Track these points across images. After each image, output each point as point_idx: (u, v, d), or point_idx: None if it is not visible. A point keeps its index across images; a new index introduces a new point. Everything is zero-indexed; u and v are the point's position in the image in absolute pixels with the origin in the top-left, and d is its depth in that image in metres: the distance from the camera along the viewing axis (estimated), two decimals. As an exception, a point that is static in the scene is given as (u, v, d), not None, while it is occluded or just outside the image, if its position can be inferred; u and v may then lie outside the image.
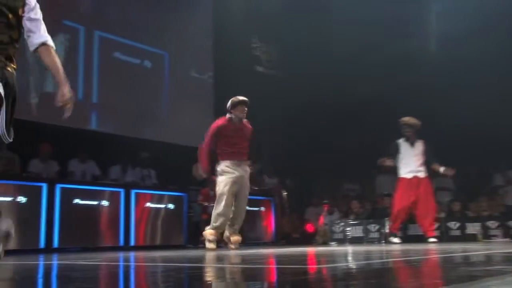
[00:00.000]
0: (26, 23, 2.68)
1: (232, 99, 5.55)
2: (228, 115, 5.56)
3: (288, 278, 2.05)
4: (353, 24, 9.78)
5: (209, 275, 2.27)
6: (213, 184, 5.79)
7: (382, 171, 9.52)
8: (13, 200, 5.63)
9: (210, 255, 4.08)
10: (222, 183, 5.35)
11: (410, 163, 6.80)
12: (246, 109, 5.57)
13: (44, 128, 7.26)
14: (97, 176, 7.42)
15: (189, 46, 9.55)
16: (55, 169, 6.99)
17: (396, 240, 6.74)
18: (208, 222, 5.97)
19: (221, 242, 5.70)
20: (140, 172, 8.01)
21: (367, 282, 1.82)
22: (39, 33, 2.71)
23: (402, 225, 6.90)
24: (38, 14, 2.70)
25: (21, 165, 6.68)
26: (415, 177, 6.75)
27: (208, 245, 5.29)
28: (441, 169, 6.72)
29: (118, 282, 2.09)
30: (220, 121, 5.59)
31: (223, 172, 5.40)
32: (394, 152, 6.92)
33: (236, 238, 5.49)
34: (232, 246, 5.44)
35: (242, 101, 5.53)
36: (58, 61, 2.75)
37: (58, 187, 6.07)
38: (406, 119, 6.85)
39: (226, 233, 5.54)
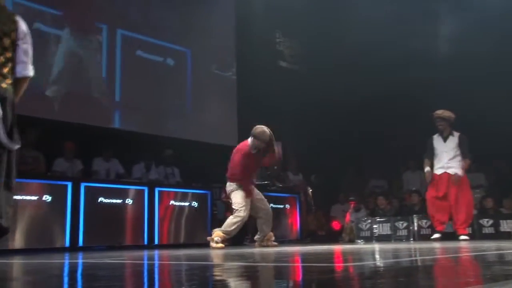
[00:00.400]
0: (18, 50, 2.84)
1: (260, 131, 5.58)
2: (250, 141, 5.63)
3: (314, 276, 2.04)
4: (379, 18, 9.65)
5: (234, 274, 2.28)
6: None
7: (409, 167, 9.42)
8: (39, 199, 5.75)
9: (234, 254, 4.09)
10: (238, 195, 5.57)
11: (442, 158, 6.68)
12: (266, 143, 5.63)
13: (68, 126, 7.40)
14: (121, 175, 7.51)
15: (211, 43, 9.58)
16: (80, 167, 7.10)
17: (435, 236, 6.63)
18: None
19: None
20: (164, 170, 8.08)
21: (395, 280, 1.80)
22: (27, 65, 2.87)
23: (442, 222, 6.71)
24: (28, 42, 2.88)
25: (46, 164, 6.81)
26: (445, 173, 6.62)
27: (216, 245, 5.39)
28: (459, 171, 6.56)
29: (143, 281, 2.11)
30: (244, 148, 5.67)
31: (238, 188, 5.60)
32: (429, 149, 6.81)
33: (270, 234, 5.88)
34: (274, 243, 5.82)
35: (266, 140, 5.55)
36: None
37: (83, 186, 6.18)
38: (439, 112, 6.69)
39: (259, 239, 5.87)
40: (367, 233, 7.76)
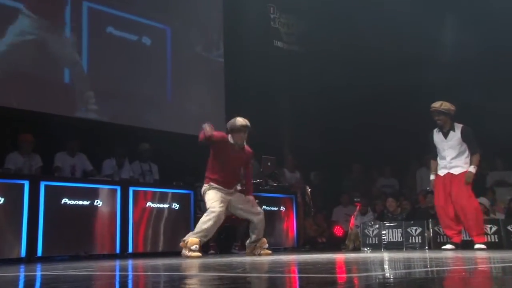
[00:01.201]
0: None
1: (231, 122, 5.84)
2: (229, 136, 5.83)
3: (312, 289, 2.02)
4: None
5: (221, 286, 2.26)
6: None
7: (423, 164, 9.45)
8: (-12, 201, 5.67)
9: (221, 263, 4.07)
10: (210, 192, 5.72)
11: (444, 157, 6.69)
12: (245, 135, 5.84)
13: (24, 115, 7.32)
14: (89, 172, 7.46)
15: (195, 19, 9.52)
16: (39, 164, 7.03)
17: (447, 246, 6.66)
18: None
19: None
20: (139, 167, 8.04)
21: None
22: None
23: (458, 231, 6.73)
24: None
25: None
26: (448, 174, 6.65)
27: (191, 254, 5.44)
28: (470, 168, 6.55)
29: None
30: (225, 135, 5.86)
31: (211, 188, 5.75)
32: (431, 147, 6.83)
33: (263, 240, 5.97)
34: (268, 251, 5.91)
35: (240, 127, 5.79)
36: None
37: (43, 185, 6.11)
38: (436, 104, 6.61)
39: (251, 246, 5.97)
40: (375, 240, 7.77)
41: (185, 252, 5.50)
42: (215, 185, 5.75)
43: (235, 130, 5.78)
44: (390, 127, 10.25)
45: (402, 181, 10.39)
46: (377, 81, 10.30)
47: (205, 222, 5.57)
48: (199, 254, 5.48)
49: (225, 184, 5.78)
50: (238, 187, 6.15)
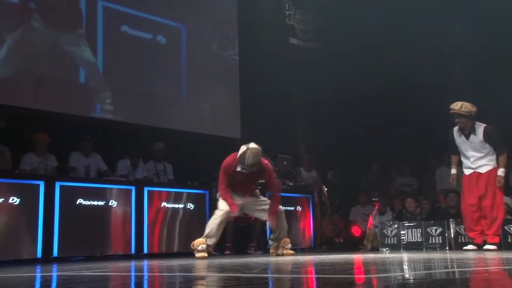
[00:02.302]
0: None
1: (242, 154, 5.61)
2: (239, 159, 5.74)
3: (330, 290, 2.02)
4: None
5: (239, 287, 2.26)
6: None
7: (444, 162, 9.36)
8: (4, 201, 5.71)
9: (237, 264, 4.08)
10: (223, 202, 5.77)
11: (468, 157, 6.63)
12: (255, 168, 5.71)
13: (40, 115, 7.39)
14: (103, 172, 7.51)
15: (209, 17, 9.52)
16: (54, 164, 7.09)
17: (469, 247, 6.61)
18: (233, 224, 6.65)
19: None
20: (154, 167, 8.07)
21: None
22: None
23: (477, 230, 6.66)
24: None
25: (13, 159, 6.79)
26: (474, 173, 6.59)
27: (198, 254, 5.53)
28: (499, 171, 6.47)
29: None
30: (230, 160, 5.79)
31: (219, 198, 5.87)
32: (452, 144, 6.77)
33: (287, 239, 6.01)
34: (290, 251, 5.95)
35: (251, 165, 5.61)
36: None
37: (58, 185, 6.16)
38: (456, 106, 6.48)
39: (273, 245, 6.05)
40: (393, 240, 7.73)
41: (195, 252, 5.59)
42: (229, 193, 5.82)
43: (244, 164, 5.62)
44: (409, 125, 10.18)
45: (422, 180, 10.31)
46: (396, 78, 10.23)
47: (211, 222, 5.66)
48: (204, 254, 5.52)
49: (240, 193, 5.88)
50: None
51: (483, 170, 6.54)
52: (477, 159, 6.57)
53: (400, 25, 10.02)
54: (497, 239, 6.48)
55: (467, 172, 6.67)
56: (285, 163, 8.75)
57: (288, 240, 6.03)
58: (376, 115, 10.58)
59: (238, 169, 5.68)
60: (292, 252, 5.97)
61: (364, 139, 10.52)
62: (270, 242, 6.12)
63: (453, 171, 6.80)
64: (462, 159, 6.72)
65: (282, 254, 5.87)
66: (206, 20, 9.52)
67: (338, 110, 10.63)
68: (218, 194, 5.94)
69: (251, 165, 5.59)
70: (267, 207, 5.91)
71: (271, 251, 6.09)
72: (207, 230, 5.65)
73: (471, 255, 5.11)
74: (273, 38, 10.65)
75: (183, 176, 8.19)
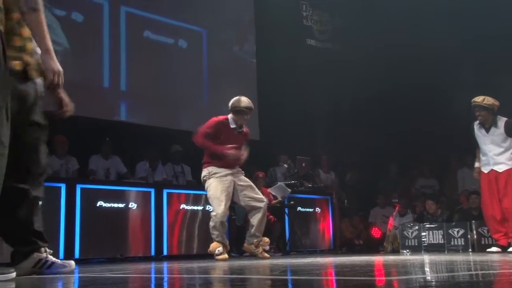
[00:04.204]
0: None
1: (234, 101, 5.68)
2: (229, 116, 5.71)
3: (351, 292, 2.01)
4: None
5: (256, 289, 2.27)
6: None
7: (465, 163, 9.28)
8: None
9: (257, 265, 4.08)
10: (212, 186, 5.55)
11: (486, 153, 6.54)
12: (248, 117, 5.75)
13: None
14: (123, 174, 7.57)
15: (229, 20, 9.55)
16: (75, 167, 7.17)
17: (493, 249, 6.53)
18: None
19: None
20: (172, 169, 8.12)
21: (451, 297, 1.76)
22: None
23: (501, 231, 6.58)
24: None
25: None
26: (493, 171, 6.50)
27: (218, 257, 5.45)
28: None
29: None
30: (220, 118, 5.72)
31: (210, 174, 5.60)
32: (474, 138, 6.69)
33: (265, 239, 5.77)
34: (266, 254, 5.72)
35: (245, 109, 5.65)
36: (45, 28, 2.87)
37: (79, 188, 6.24)
38: (479, 99, 6.46)
39: (249, 243, 5.76)
40: (414, 242, 7.67)
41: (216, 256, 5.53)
42: (216, 170, 5.57)
43: (239, 111, 5.64)
44: (429, 125, 10.10)
45: (443, 181, 10.22)
46: (415, 78, 10.16)
47: (212, 227, 5.52)
48: (225, 256, 5.48)
49: (226, 163, 5.61)
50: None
51: (501, 169, 6.44)
52: (496, 154, 6.46)
53: (421, 24, 9.94)
54: (504, 241, 6.41)
55: (485, 169, 6.57)
56: (303, 164, 8.75)
57: (267, 240, 5.83)
58: (395, 115, 10.51)
59: (232, 126, 5.61)
60: (267, 255, 5.74)
61: (383, 139, 10.46)
62: (248, 240, 5.80)
63: (477, 164, 6.71)
64: (481, 156, 6.63)
65: (257, 255, 5.68)
66: (225, 24, 9.55)
67: (356, 110, 10.59)
68: (203, 176, 5.64)
69: (246, 107, 5.62)
70: (258, 204, 5.69)
71: (246, 247, 5.83)
72: (214, 235, 5.53)
73: (495, 257, 5.06)
74: (290, 39, 10.66)
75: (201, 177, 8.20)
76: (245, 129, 5.85)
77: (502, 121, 6.49)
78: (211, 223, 5.54)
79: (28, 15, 2.81)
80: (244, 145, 5.82)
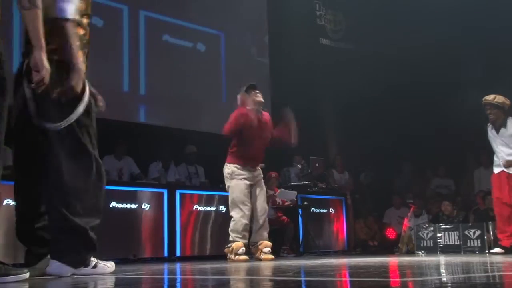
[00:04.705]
0: None
1: (242, 88, 5.74)
2: (247, 107, 5.67)
3: (366, 294, 2.00)
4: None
5: (269, 290, 2.26)
6: None
7: (482, 163, 9.19)
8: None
9: (269, 266, 4.08)
10: (235, 187, 5.55)
11: (498, 153, 6.50)
12: (259, 94, 5.69)
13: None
14: (136, 175, 7.60)
15: (244, 22, 9.62)
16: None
17: (495, 250, 6.48)
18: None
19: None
20: (186, 169, 8.14)
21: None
22: (60, 3, 2.95)
23: (507, 232, 6.53)
24: None
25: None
26: (503, 173, 6.45)
27: (239, 257, 5.45)
28: None
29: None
30: (241, 109, 5.69)
31: (233, 175, 5.59)
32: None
33: (266, 243, 5.66)
34: (269, 255, 5.58)
35: (250, 85, 5.70)
36: (40, 24, 2.88)
37: (92, 189, 6.26)
38: (490, 97, 6.45)
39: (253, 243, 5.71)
40: (430, 243, 7.61)
41: (231, 256, 5.50)
42: (239, 169, 5.58)
43: (248, 87, 5.68)
44: (445, 124, 10.03)
45: (459, 181, 10.14)
46: (429, 76, 10.10)
47: (235, 230, 5.49)
48: (246, 257, 5.48)
49: (250, 161, 5.63)
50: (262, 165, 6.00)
51: (511, 170, 6.41)
52: (507, 155, 6.41)
53: (435, 22, 9.88)
54: (507, 242, 6.35)
55: (496, 170, 6.55)
56: (317, 165, 8.73)
57: (267, 243, 5.68)
58: (409, 114, 10.44)
59: (250, 107, 5.62)
60: (270, 256, 5.60)
61: (398, 139, 10.41)
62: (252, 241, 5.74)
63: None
64: (494, 157, 6.60)
65: (259, 257, 5.61)
66: (242, 26, 9.61)
67: (372, 110, 10.53)
68: (226, 171, 5.64)
69: (252, 85, 5.67)
70: (259, 218, 5.67)
71: (253, 250, 5.74)
72: (239, 235, 5.50)
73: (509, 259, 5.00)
74: (304, 39, 10.64)
75: (214, 178, 8.22)
76: (266, 117, 5.82)
77: (511, 122, 6.45)
78: (234, 225, 5.51)
79: (27, 11, 2.84)
80: (271, 128, 5.82)
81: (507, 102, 6.43)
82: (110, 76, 7.99)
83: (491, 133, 6.57)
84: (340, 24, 11.63)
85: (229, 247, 5.57)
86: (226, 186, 5.71)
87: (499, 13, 9.45)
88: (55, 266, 3.04)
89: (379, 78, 10.26)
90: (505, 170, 6.43)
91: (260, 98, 5.71)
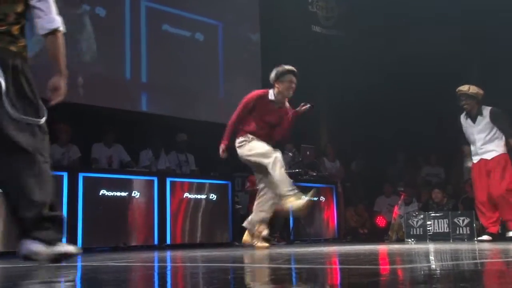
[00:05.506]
0: (34, 1, 2.84)
1: (276, 70, 5.31)
2: (270, 90, 5.37)
3: (354, 280, 2.03)
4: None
5: (260, 277, 2.28)
6: None
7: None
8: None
9: (260, 254, 4.11)
10: (255, 144, 5.11)
11: (474, 143, 6.61)
12: (294, 82, 5.30)
13: (62, 107, 7.47)
14: (126, 163, 7.59)
15: (242, 12, 9.81)
16: (77, 155, 7.19)
17: (484, 237, 6.56)
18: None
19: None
20: (176, 157, 8.14)
21: (454, 286, 1.77)
22: (50, 16, 2.86)
23: (491, 219, 6.61)
24: None
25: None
26: (482, 160, 6.54)
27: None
28: None
29: (153, 285, 2.14)
30: (258, 92, 5.43)
31: (252, 139, 5.17)
32: (464, 133, 6.75)
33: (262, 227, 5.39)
34: (264, 243, 5.32)
35: (290, 69, 5.27)
36: (63, 49, 2.91)
37: (81, 176, 6.27)
38: (464, 88, 6.55)
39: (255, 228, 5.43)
40: (419, 231, 7.67)
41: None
42: (255, 137, 5.16)
43: (282, 73, 5.22)
44: (436, 114, 10.07)
45: (449, 169, 10.21)
46: (422, 67, 10.12)
47: (281, 168, 4.96)
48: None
49: (261, 137, 5.21)
50: None
51: (489, 156, 6.51)
52: (484, 143, 6.53)
53: (427, 10, 9.88)
54: (494, 228, 6.43)
55: (475, 159, 6.66)
56: (308, 153, 8.75)
57: (264, 228, 5.35)
58: (402, 103, 10.48)
59: (271, 98, 5.26)
60: (265, 244, 5.30)
61: (389, 127, 10.45)
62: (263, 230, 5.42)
63: (470, 163, 6.82)
64: (471, 147, 6.68)
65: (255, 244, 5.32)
66: (238, 15, 9.76)
67: (364, 98, 10.55)
68: (240, 141, 5.18)
69: (289, 69, 5.21)
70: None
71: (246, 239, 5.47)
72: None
73: (500, 246, 5.06)
74: (295, 26, 10.62)
75: (205, 166, 8.24)
76: (288, 108, 5.45)
77: (486, 110, 6.56)
78: (278, 167, 4.94)
79: (51, 36, 2.86)
80: (287, 126, 5.40)
81: (481, 91, 6.55)
82: (113, 64, 8.14)
83: (466, 123, 6.68)
84: (332, 11, 11.60)
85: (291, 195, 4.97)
86: (242, 153, 5.22)
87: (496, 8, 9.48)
88: (27, 244, 2.97)
89: (372, 66, 10.27)
90: (483, 157, 6.51)
91: (291, 91, 5.32)
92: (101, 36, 7.90)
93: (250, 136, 5.19)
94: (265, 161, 5.00)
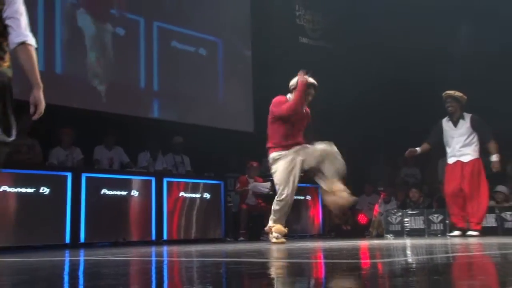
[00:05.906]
0: (5, 19, 2.78)
1: (297, 79, 5.38)
2: (288, 95, 5.41)
3: (337, 273, 2.04)
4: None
5: (250, 271, 2.29)
6: None
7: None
8: (36, 191, 5.82)
9: (250, 249, 4.11)
10: (280, 167, 5.15)
11: (453, 145, 6.62)
12: (312, 95, 5.45)
13: (64, 112, 7.45)
14: (125, 164, 7.57)
15: (237, 27, 10.11)
16: (80, 156, 7.16)
17: (455, 233, 6.59)
18: (247, 212, 6.37)
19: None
20: (173, 159, 8.13)
21: (429, 278, 1.79)
22: (18, 31, 2.79)
23: (461, 216, 6.64)
24: (15, 8, 2.78)
25: (43, 153, 6.87)
26: (458, 162, 6.56)
27: (277, 240, 5.10)
28: (493, 157, 6.43)
29: (151, 278, 2.14)
30: (282, 97, 5.42)
31: (275, 160, 5.22)
32: (436, 134, 6.78)
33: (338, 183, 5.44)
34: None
35: (312, 84, 5.39)
36: (35, 62, 2.82)
37: (84, 176, 6.24)
38: (451, 92, 6.62)
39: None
40: (397, 227, 7.73)
41: (271, 236, 5.18)
42: (281, 153, 5.18)
43: (311, 87, 5.34)
44: (413, 118, 10.10)
45: (424, 170, 10.25)
46: (402, 72, 10.14)
47: (279, 210, 5.13)
48: (283, 240, 5.17)
49: (291, 145, 5.26)
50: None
51: (466, 159, 6.52)
52: (462, 146, 6.54)
53: (410, 23, 9.89)
54: (479, 227, 6.47)
55: (451, 160, 6.66)
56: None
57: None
58: (381, 108, 10.50)
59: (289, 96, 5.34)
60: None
61: (370, 131, 10.48)
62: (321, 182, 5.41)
63: (418, 148, 6.86)
64: (447, 148, 6.72)
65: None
66: (234, 32, 10.05)
67: (346, 102, 10.56)
68: (272, 157, 5.20)
69: (310, 83, 5.33)
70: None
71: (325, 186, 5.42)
72: (275, 217, 5.15)
73: (471, 240, 5.10)
74: (283, 37, 10.63)
75: (200, 167, 8.23)
76: (306, 109, 5.54)
77: (468, 116, 6.60)
78: (278, 206, 5.11)
79: (19, 49, 2.77)
80: (306, 125, 5.53)
81: (465, 97, 6.60)
82: (129, 75, 8.60)
83: (447, 126, 6.70)
84: (318, 24, 11.63)
85: (270, 227, 5.15)
86: (272, 172, 5.31)
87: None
88: None
89: (354, 71, 10.28)
90: (460, 159, 6.54)
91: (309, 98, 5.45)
92: (120, 51, 8.44)
93: (273, 156, 5.30)
94: (279, 188, 5.24)
